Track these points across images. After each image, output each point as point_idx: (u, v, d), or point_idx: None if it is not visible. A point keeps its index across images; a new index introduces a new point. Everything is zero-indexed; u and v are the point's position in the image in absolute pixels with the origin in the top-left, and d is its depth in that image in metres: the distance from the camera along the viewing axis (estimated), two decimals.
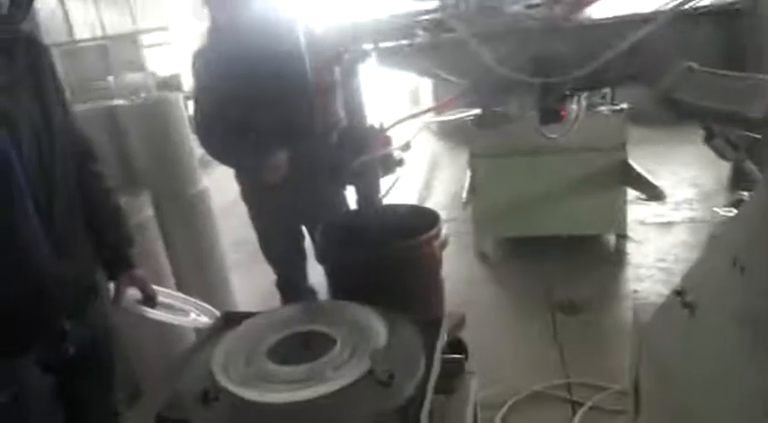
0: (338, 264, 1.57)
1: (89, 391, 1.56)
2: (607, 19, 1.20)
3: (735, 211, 1.03)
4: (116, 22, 8.69)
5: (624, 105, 3.69)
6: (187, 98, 2.89)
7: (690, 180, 5.25)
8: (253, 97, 2.24)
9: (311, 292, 2.74)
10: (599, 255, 4.01)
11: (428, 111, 3.53)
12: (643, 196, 4.22)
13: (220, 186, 3.41)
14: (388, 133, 1.55)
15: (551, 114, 1.16)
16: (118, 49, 8.43)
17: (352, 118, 1.55)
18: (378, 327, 1.20)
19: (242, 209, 2.67)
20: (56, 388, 1.43)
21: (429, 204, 4.16)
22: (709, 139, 1.04)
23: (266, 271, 2.81)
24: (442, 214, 1.64)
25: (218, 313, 1.79)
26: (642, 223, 4.39)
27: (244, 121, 2.27)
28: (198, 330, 2.44)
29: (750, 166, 1.03)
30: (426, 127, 7.79)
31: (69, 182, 1.41)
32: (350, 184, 1.59)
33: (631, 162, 3.70)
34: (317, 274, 2.53)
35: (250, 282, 3.79)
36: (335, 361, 1.10)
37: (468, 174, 4.02)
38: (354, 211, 1.65)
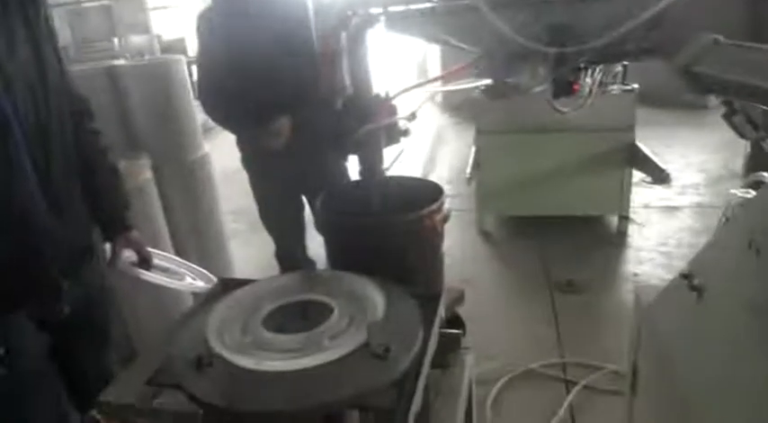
0: (338, 234, 1.55)
1: (84, 352, 1.56)
2: None
3: (752, 192, 0.99)
4: None
5: (635, 86, 3.62)
6: (191, 63, 2.84)
7: (698, 165, 5.20)
8: (257, 62, 2.20)
9: (310, 263, 2.73)
10: (601, 236, 4.00)
11: (438, 79, 3.49)
12: (648, 179, 4.18)
13: (222, 154, 3.38)
14: (394, 102, 1.51)
15: (564, 87, 1.12)
16: (122, 11, 8.32)
17: (357, 86, 1.50)
18: (376, 298, 1.18)
19: (242, 177, 2.64)
20: (51, 349, 1.42)
21: (432, 179, 4.16)
22: (729, 116, 1.00)
23: (265, 241, 2.80)
24: (446, 189, 1.61)
25: (214, 278, 1.78)
26: (646, 206, 4.37)
27: (247, 87, 2.23)
28: (195, 294, 2.44)
29: None
30: (432, 99, 7.70)
31: (66, 141, 1.39)
32: (353, 153, 1.55)
33: (639, 144, 3.66)
34: (316, 247, 2.51)
35: (248, 252, 3.79)
36: (332, 330, 1.08)
37: (473, 149, 3.98)
38: (356, 181, 1.62)
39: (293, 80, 2.19)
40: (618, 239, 3.89)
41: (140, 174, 2.45)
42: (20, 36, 1.25)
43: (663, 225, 4.07)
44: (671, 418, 1.14)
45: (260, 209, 2.65)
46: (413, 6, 1.30)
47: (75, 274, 1.43)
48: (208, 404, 0.95)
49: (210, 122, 2.61)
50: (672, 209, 4.34)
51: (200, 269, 1.96)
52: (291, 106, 2.25)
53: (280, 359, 1.02)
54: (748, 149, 4.21)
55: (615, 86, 3.61)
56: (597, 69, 1.65)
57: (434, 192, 1.56)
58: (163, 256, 1.92)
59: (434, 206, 1.48)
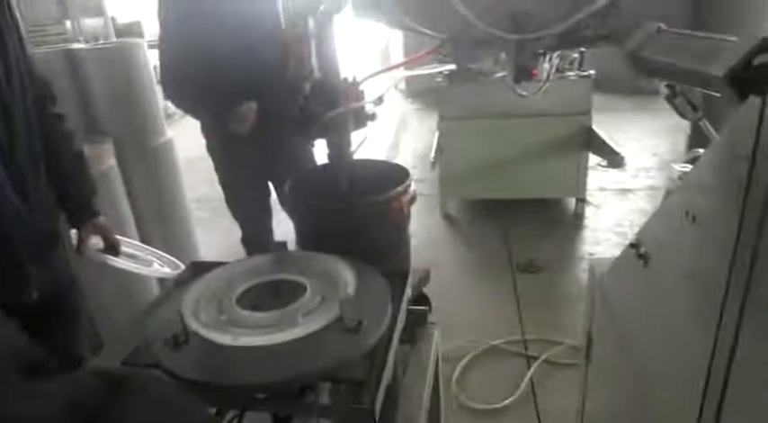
0: (308, 217, 1.57)
1: (54, 338, 1.55)
2: None
3: (691, 167, 1.08)
4: None
5: (591, 72, 3.74)
6: (151, 46, 2.78)
7: (651, 148, 5.40)
8: (222, 46, 2.17)
9: (281, 245, 2.74)
10: (560, 218, 4.13)
11: (403, 63, 3.53)
12: (604, 163, 4.33)
13: (184, 142, 3.34)
14: (361, 87, 1.54)
15: (524, 72, 1.18)
16: None
17: (325, 70, 1.52)
18: (347, 276, 1.22)
19: (205, 165, 2.62)
20: None
21: None
22: (671, 98, 1.08)
23: (230, 228, 2.80)
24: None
25: (182, 265, 1.78)
26: (602, 189, 4.53)
27: (212, 71, 2.20)
28: (162, 282, 2.43)
29: (707, 125, 1.08)
30: (395, 87, 7.74)
31: (31, 124, 1.37)
32: (320, 137, 1.57)
33: (595, 128, 3.79)
34: (282, 233, 2.53)
35: (213, 239, 3.77)
36: (306, 307, 1.12)
37: (437, 135, 4.05)
38: (324, 165, 1.65)
39: (259, 63, 2.18)
40: (576, 221, 4.04)
41: (104, 158, 2.42)
42: None
43: (617, 207, 4.24)
44: (623, 383, 1.23)
45: (226, 195, 2.64)
46: None
47: (42, 259, 1.42)
48: (187, 380, 0.97)
49: (172, 108, 2.58)
50: (626, 191, 4.52)
51: (168, 256, 1.96)
52: (258, 90, 2.24)
53: (255, 335, 1.05)
54: (688, 131, 4.39)
55: (572, 73, 3.72)
56: (555, 55, 1.72)
57: (401, 174, 1.60)
58: (130, 243, 1.91)
59: (401, 188, 1.52)
